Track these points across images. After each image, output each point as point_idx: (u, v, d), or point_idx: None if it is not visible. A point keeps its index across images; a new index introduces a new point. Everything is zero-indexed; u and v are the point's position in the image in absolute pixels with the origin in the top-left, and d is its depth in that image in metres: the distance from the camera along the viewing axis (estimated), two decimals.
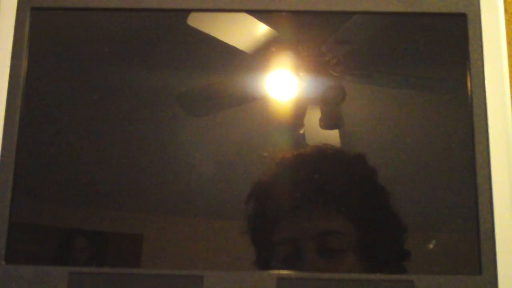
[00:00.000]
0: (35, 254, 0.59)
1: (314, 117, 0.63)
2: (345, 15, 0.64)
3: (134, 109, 0.63)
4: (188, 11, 0.64)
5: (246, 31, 0.64)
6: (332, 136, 0.63)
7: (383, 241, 0.60)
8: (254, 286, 0.56)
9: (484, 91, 0.60)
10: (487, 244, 0.57)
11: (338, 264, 0.60)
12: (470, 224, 0.58)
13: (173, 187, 0.61)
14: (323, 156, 0.62)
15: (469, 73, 0.61)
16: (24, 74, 0.62)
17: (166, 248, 0.60)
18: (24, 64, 0.62)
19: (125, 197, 0.61)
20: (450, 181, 0.60)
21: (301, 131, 0.64)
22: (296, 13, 0.64)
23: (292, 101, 0.64)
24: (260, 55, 0.64)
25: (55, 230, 0.60)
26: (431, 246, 0.59)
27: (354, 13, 0.64)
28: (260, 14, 0.64)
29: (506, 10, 0.68)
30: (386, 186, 0.60)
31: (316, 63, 0.64)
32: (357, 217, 0.60)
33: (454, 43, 0.63)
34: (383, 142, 0.62)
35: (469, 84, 0.61)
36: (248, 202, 0.60)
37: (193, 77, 0.64)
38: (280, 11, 0.64)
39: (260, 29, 0.65)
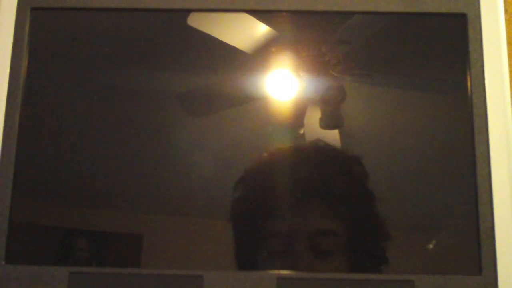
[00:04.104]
0: (35, 254, 0.59)
1: (314, 117, 0.63)
2: (345, 15, 0.64)
3: (134, 109, 0.63)
4: (188, 11, 0.64)
5: (246, 31, 0.64)
6: (332, 136, 0.63)
7: (381, 241, 0.60)
8: (254, 286, 0.56)
9: (484, 91, 0.60)
10: (487, 244, 0.57)
11: (333, 264, 0.59)
12: (470, 224, 0.58)
13: (173, 187, 0.61)
14: (320, 155, 0.62)
15: (469, 73, 0.61)
16: (24, 74, 0.62)
17: (166, 248, 0.60)
18: (24, 64, 0.62)
19: (125, 197, 0.61)
20: (450, 181, 0.60)
21: (301, 131, 0.64)
22: (296, 13, 0.64)
23: (292, 101, 0.64)
24: (260, 55, 0.64)
25: (55, 230, 0.60)
26: (431, 246, 0.59)
27: (354, 13, 0.64)
28: (260, 14, 0.64)
29: (506, 10, 0.68)
30: (386, 185, 0.60)
31: (316, 63, 0.64)
32: (354, 216, 0.60)
33: (454, 43, 0.63)
34: (383, 142, 0.62)
35: (469, 84, 0.61)
36: (235, 191, 0.59)
37: (193, 77, 0.64)
38: (280, 11, 0.64)
39: (260, 29, 0.65)
